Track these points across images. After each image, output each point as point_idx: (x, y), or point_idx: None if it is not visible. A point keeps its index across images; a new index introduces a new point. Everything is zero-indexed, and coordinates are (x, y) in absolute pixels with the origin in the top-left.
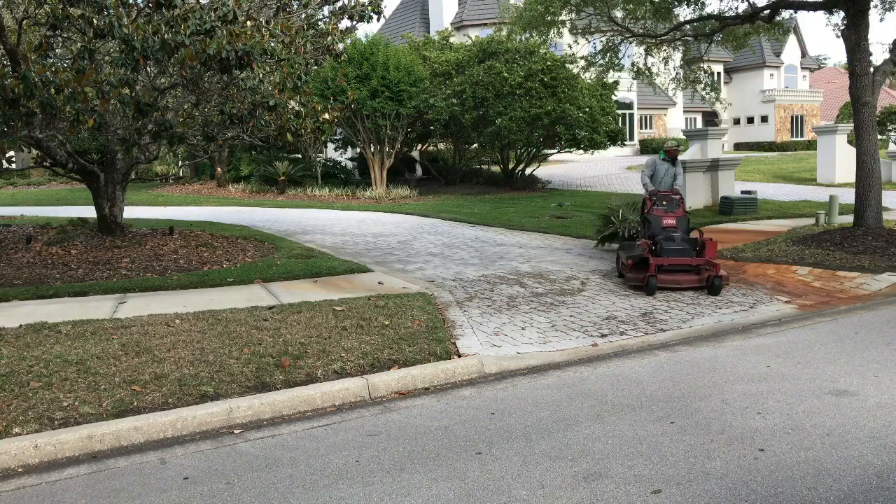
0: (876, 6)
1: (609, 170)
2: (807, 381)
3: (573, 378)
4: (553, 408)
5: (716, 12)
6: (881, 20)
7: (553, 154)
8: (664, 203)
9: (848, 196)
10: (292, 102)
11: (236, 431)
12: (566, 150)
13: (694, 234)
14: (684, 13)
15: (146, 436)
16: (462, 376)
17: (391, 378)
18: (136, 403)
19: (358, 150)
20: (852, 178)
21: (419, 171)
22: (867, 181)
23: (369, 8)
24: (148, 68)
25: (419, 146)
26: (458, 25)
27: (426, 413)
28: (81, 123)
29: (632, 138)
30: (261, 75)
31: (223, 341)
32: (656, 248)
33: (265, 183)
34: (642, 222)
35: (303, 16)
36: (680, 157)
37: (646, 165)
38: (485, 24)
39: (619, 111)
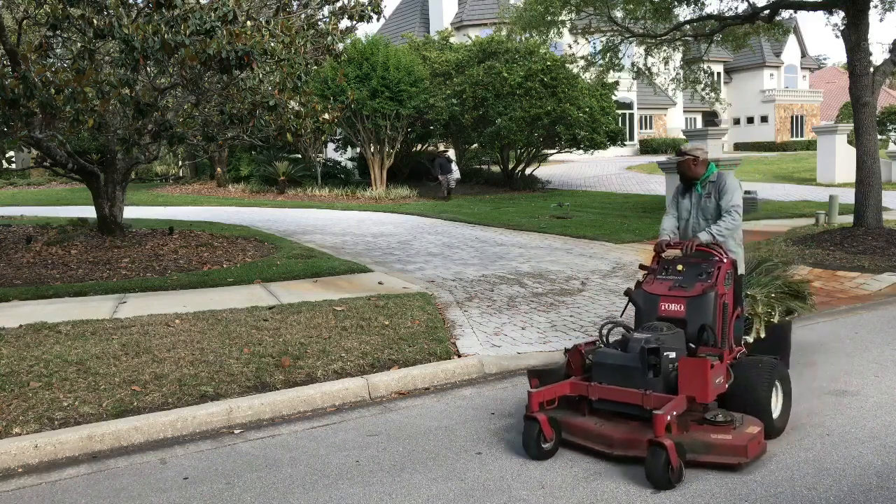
0: (876, 6)
1: (609, 170)
2: (807, 381)
3: None
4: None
5: (716, 12)
6: (881, 20)
7: (553, 154)
8: (677, 269)
9: (848, 196)
10: (292, 102)
11: (236, 431)
12: (566, 150)
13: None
14: (684, 13)
15: (146, 436)
16: (462, 376)
17: (391, 378)
18: (136, 403)
19: (358, 150)
20: (852, 178)
21: (456, 172)
22: (867, 181)
23: (369, 8)
24: (148, 68)
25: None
26: (458, 25)
27: (426, 413)
28: (81, 123)
29: (632, 138)
30: (261, 75)
31: (223, 341)
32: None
33: (265, 183)
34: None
35: (303, 16)
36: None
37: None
38: (485, 24)
39: (619, 111)
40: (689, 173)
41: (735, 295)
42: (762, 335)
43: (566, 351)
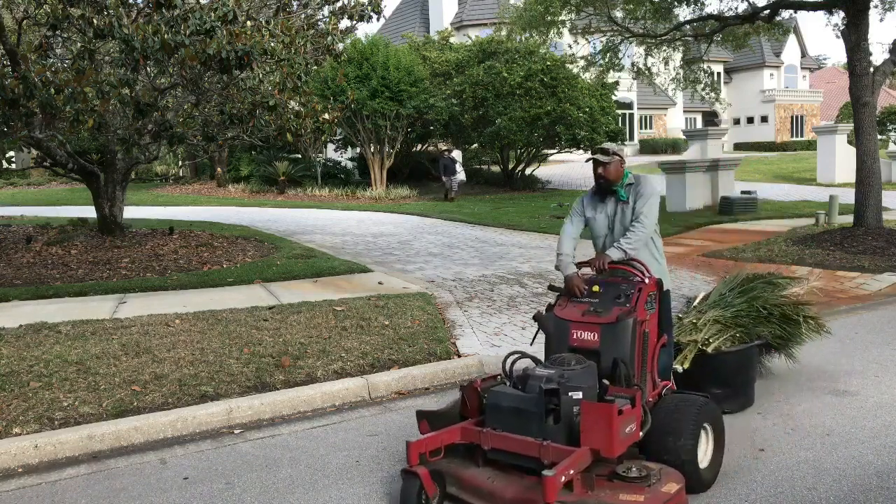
0: (876, 6)
1: None
2: (807, 381)
3: None
4: None
5: (716, 12)
6: (881, 20)
7: (553, 154)
8: (592, 291)
9: (848, 196)
10: (292, 102)
11: (236, 431)
12: (566, 150)
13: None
14: (684, 13)
15: (146, 436)
16: (462, 376)
17: (391, 378)
18: (136, 403)
19: (358, 150)
20: (852, 178)
21: (461, 174)
22: (867, 181)
23: (369, 8)
24: (148, 68)
25: (420, 146)
26: (458, 25)
27: None
28: (81, 123)
29: (632, 138)
30: (261, 75)
31: (223, 341)
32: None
33: (265, 183)
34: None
35: (303, 16)
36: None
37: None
38: (485, 24)
39: (619, 111)
40: (607, 177)
41: (660, 320)
42: (684, 367)
43: (461, 387)
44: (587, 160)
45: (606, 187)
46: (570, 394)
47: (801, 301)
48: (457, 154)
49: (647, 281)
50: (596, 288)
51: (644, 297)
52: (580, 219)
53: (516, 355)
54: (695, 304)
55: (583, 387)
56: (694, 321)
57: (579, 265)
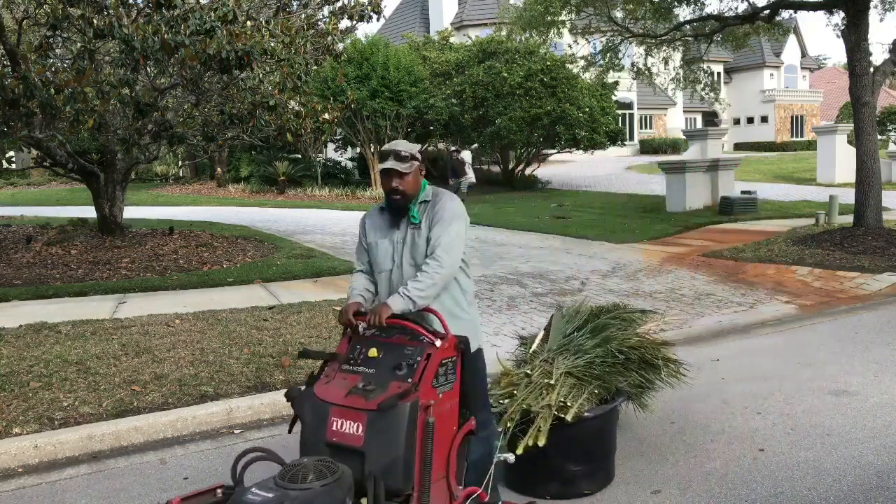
0: (876, 6)
1: (609, 170)
2: (807, 381)
3: None
4: None
5: (716, 12)
6: (881, 20)
7: (553, 154)
8: (369, 356)
9: (848, 196)
10: (292, 102)
11: (236, 431)
12: (566, 150)
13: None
14: (684, 13)
15: (146, 436)
16: None
17: None
18: (136, 403)
19: (358, 150)
20: (852, 178)
21: (471, 175)
22: (867, 181)
23: (369, 8)
24: (148, 68)
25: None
26: (458, 25)
27: None
28: (81, 123)
29: (632, 138)
30: (261, 75)
31: (223, 341)
32: None
33: (265, 183)
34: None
35: (303, 16)
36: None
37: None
38: (485, 24)
39: (619, 111)
40: (405, 192)
41: (467, 396)
42: (540, 442)
43: None
44: (378, 170)
45: (403, 205)
46: None
47: (660, 341)
48: (466, 154)
49: (438, 344)
50: (374, 352)
51: (433, 367)
52: (362, 248)
53: (252, 454)
54: (533, 347)
55: None
56: (547, 378)
57: (356, 316)
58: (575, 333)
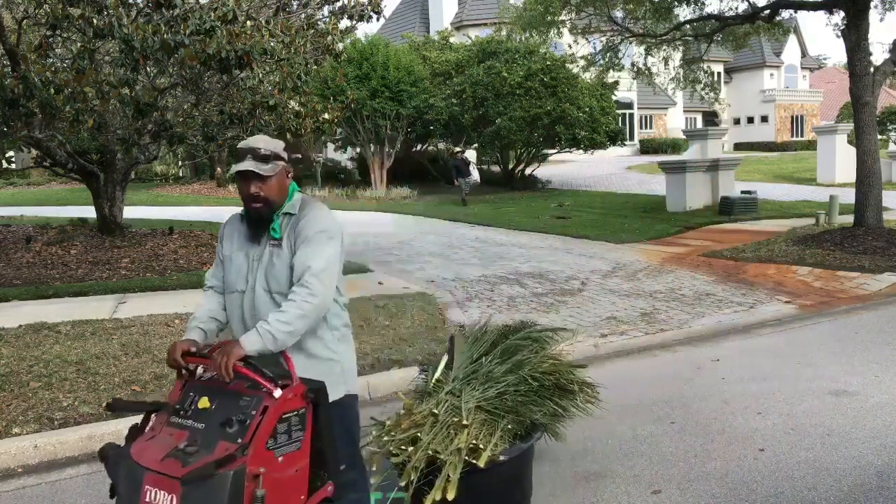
0: (876, 6)
1: (609, 170)
2: (807, 381)
3: None
4: None
5: (716, 12)
6: (881, 20)
7: (553, 154)
8: (199, 407)
9: (848, 196)
10: (292, 102)
11: None
12: (566, 150)
13: None
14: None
15: None
16: None
17: (392, 379)
18: None
19: (358, 150)
20: (852, 178)
21: (476, 175)
22: (867, 181)
23: (369, 8)
24: (148, 68)
25: (421, 146)
26: (458, 25)
27: None
28: (81, 123)
29: (632, 138)
30: (261, 75)
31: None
32: None
33: None
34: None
35: (303, 16)
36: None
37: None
38: (485, 24)
39: (619, 111)
40: (268, 198)
41: (323, 456)
42: (450, 495)
43: None
44: (230, 173)
45: (267, 215)
46: None
47: (574, 363)
48: (470, 154)
49: (277, 394)
50: (205, 402)
51: (269, 424)
52: (219, 260)
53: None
54: (436, 375)
55: None
56: (455, 415)
57: (195, 357)
58: (483, 359)
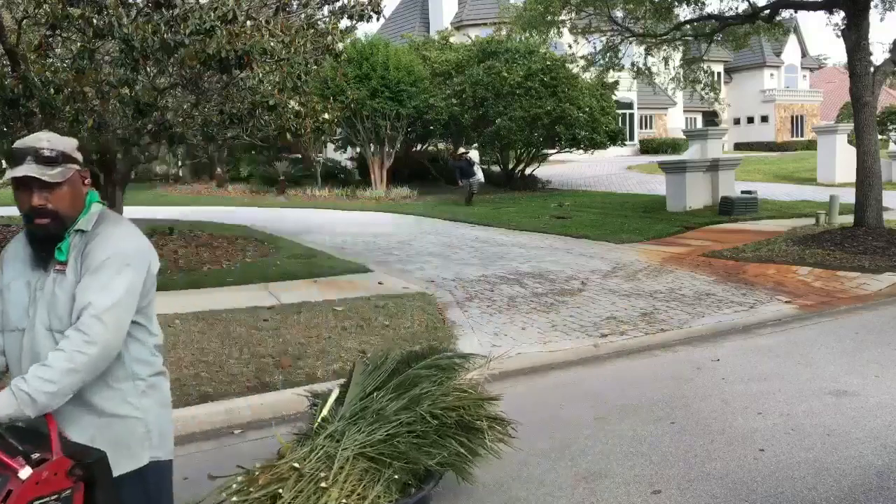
0: (876, 6)
1: (609, 170)
2: (807, 381)
3: (573, 378)
4: (553, 408)
5: (716, 12)
6: (881, 20)
7: (553, 154)
8: None
9: (848, 196)
10: (292, 102)
11: (236, 432)
12: (566, 150)
13: None
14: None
15: None
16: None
17: None
18: None
19: (358, 150)
20: (852, 178)
21: (480, 174)
22: (867, 181)
23: (369, 7)
24: (148, 68)
25: (421, 145)
26: (458, 25)
27: None
28: (81, 123)
29: (632, 138)
30: (261, 75)
31: (223, 341)
32: None
33: (265, 183)
34: None
35: (302, 15)
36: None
37: None
38: (485, 24)
39: (619, 111)
40: (57, 211)
41: None
42: None
43: None
44: (2, 180)
45: (56, 233)
46: None
47: (484, 395)
48: (474, 155)
49: (24, 474)
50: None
51: None
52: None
53: None
54: (324, 412)
55: None
56: (325, 468)
57: None
58: (375, 393)
